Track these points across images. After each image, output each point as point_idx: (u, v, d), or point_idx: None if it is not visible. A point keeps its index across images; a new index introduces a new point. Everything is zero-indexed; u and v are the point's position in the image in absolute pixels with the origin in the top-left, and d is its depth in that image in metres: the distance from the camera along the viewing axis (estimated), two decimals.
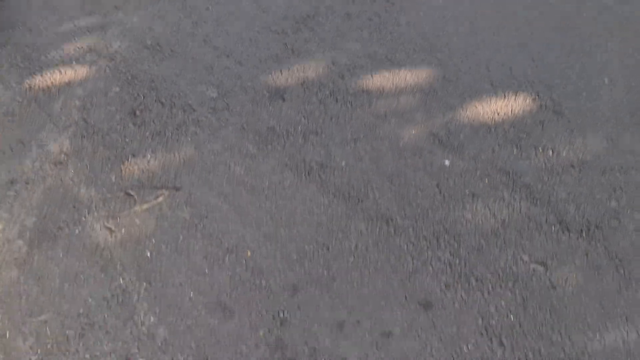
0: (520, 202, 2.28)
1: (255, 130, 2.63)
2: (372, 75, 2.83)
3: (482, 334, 1.94)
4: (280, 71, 2.89)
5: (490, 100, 2.67)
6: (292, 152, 2.54)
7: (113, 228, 2.31)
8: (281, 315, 2.06)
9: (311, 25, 3.14)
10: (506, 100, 2.67)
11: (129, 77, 2.91)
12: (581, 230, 2.18)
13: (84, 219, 2.35)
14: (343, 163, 2.49)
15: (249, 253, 2.22)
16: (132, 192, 2.42)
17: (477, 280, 2.07)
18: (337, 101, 2.72)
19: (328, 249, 2.21)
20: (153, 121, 2.69)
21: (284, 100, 2.75)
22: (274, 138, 2.60)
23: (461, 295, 2.04)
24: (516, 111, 2.62)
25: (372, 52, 2.93)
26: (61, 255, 2.25)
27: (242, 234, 2.27)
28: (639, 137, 2.53)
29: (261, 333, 2.02)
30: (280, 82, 2.85)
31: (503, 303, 2.01)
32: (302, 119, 2.67)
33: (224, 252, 2.22)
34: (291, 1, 3.30)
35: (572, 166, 2.38)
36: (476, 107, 2.64)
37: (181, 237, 2.27)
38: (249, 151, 2.55)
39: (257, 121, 2.67)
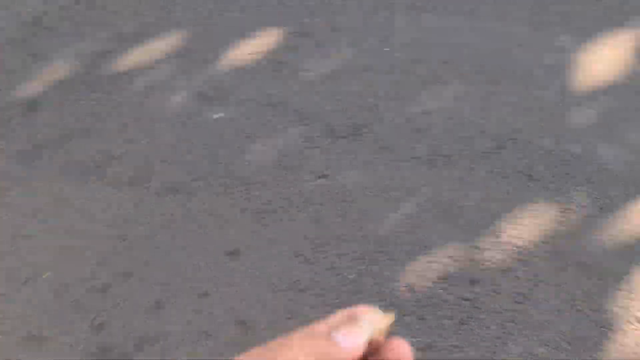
0: (293, 128, 2.37)
1: (16, 149, 2.45)
2: (124, 55, 2.73)
3: (288, 257, 2.03)
4: (29, 80, 2.70)
5: (244, 43, 2.71)
6: (65, 158, 2.40)
7: None
8: (97, 321, 1.98)
9: (48, 25, 2.95)
10: (259, 38, 2.73)
11: None
12: (351, 134, 2.33)
13: None
14: (120, 152, 2.41)
15: (46, 274, 2.10)
16: None
17: (271, 212, 2.15)
18: (94, 91, 2.61)
19: (126, 239, 2.15)
20: None
21: (38, 110, 2.58)
22: (40, 151, 2.44)
23: (262, 233, 2.11)
24: (270, 46, 2.70)
25: (117, 33, 2.83)
26: None
27: (34, 258, 2.13)
28: (379, 38, 2.73)
29: (81, 347, 1.93)
30: (31, 92, 2.66)
31: (298, 222, 2.11)
32: (63, 122, 2.53)
33: (21, 283, 2.08)
34: (19, 12, 3.05)
35: (329, 79, 2.52)
36: (233, 54, 2.68)
37: None
38: (15, 172, 2.37)
39: (15, 139, 2.48)
